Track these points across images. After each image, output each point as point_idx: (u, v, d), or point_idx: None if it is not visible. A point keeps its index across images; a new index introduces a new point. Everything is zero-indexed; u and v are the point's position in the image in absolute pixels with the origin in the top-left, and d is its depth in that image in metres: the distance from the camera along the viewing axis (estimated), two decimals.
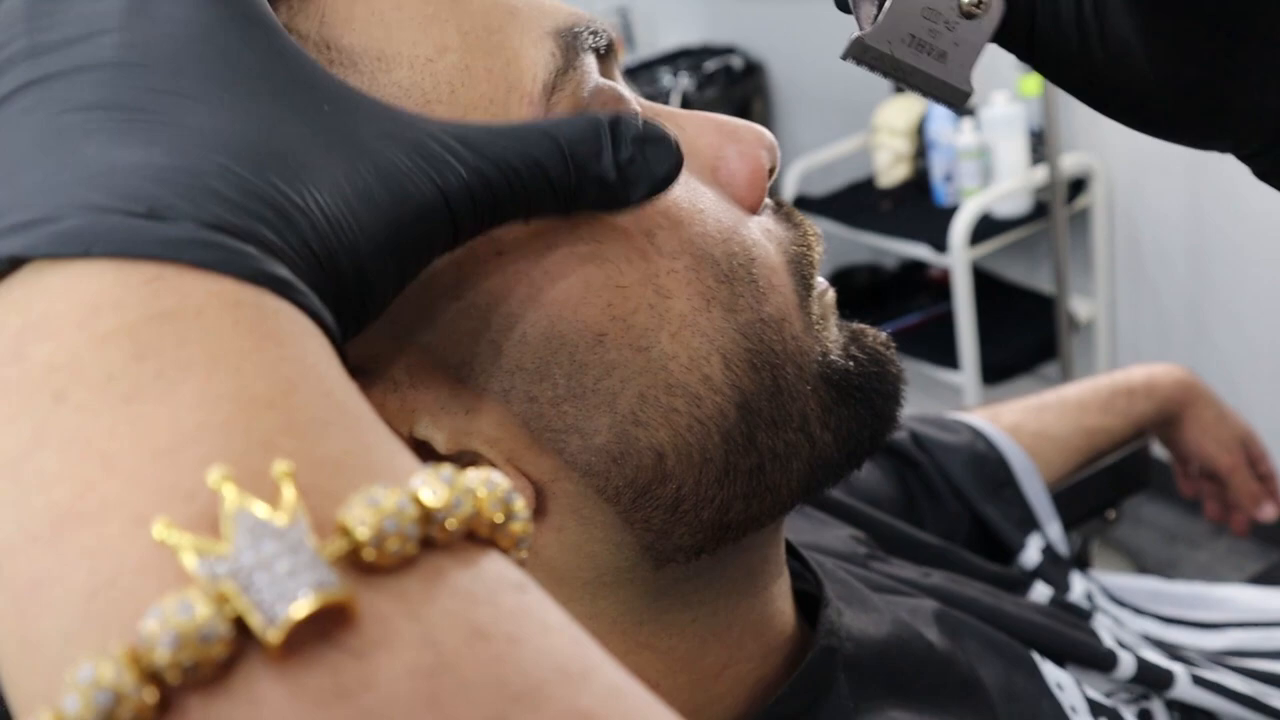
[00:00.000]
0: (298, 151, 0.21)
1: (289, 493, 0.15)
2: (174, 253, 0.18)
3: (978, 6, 0.29)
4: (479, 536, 0.18)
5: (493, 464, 0.31)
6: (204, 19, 0.22)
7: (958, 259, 1.73)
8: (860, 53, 0.30)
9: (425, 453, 0.31)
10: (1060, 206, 1.68)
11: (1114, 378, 0.81)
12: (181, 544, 0.15)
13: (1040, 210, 1.78)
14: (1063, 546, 0.72)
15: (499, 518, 0.18)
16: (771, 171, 0.36)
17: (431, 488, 0.16)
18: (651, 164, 0.28)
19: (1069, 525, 0.80)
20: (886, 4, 0.29)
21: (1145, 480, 0.84)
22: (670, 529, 0.33)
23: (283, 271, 0.19)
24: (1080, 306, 1.88)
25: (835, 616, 0.40)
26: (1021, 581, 0.60)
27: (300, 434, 0.17)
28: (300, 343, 0.18)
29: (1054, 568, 0.68)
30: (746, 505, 0.34)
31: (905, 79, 0.30)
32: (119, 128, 0.19)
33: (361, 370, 0.30)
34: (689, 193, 0.33)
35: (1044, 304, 1.87)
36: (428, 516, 0.16)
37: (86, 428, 0.16)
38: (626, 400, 0.31)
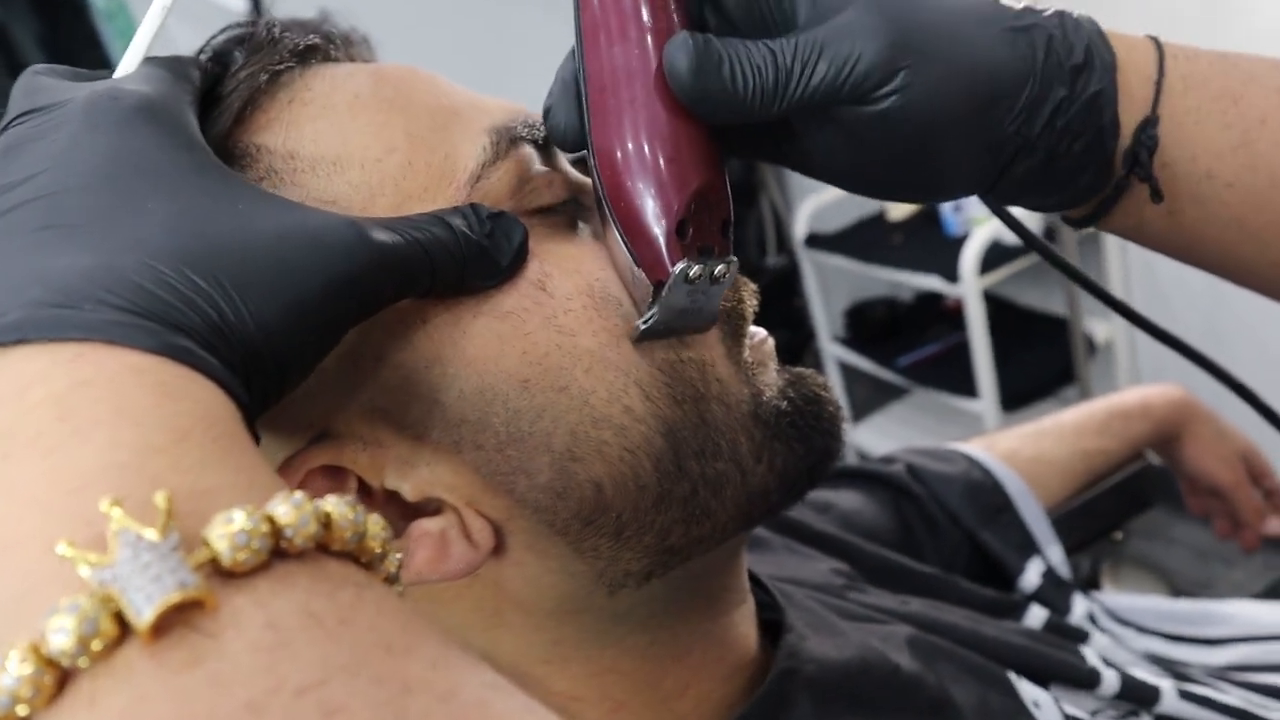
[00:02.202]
0: (209, 246, 0.25)
1: (164, 516, 0.19)
2: (93, 333, 0.22)
3: (721, 277, 0.35)
4: (331, 550, 0.21)
5: (455, 508, 0.35)
6: (132, 144, 0.26)
7: (969, 288, 1.74)
8: (648, 337, 0.35)
9: (397, 502, 0.35)
10: (1069, 228, 1.69)
11: (1110, 401, 0.82)
12: (77, 558, 0.18)
13: (1050, 234, 1.79)
14: (1064, 569, 0.72)
15: (347, 534, 0.21)
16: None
17: (284, 509, 0.20)
18: (508, 234, 0.33)
19: (1075, 548, 0.81)
20: (659, 302, 0.34)
21: (1149, 501, 0.85)
22: (618, 555, 0.36)
23: (185, 343, 0.23)
24: (1098, 329, 1.88)
25: (797, 641, 0.42)
26: (1016, 605, 0.61)
27: (184, 472, 0.20)
28: (195, 399, 0.22)
29: (1054, 590, 0.69)
30: (686, 529, 0.36)
31: (672, 334, 0.36)
32: (59, 241, 0.24)
33: (333, 433, 0.34)
34: (588, 248, 0.37)
35: (1060, 328, 1.88)
36: (277, 533, 0.20)
37: (18, 477, 0.20)
38: (560, 439, 0.34)
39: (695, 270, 0.34)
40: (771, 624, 0.45)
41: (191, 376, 0.22)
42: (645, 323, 0.35)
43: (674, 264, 0.34)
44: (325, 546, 0.21)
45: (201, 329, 0.23)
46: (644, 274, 0.34)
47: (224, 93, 0.34)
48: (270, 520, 0.20)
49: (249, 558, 0.19)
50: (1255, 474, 0.81)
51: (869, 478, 0.73)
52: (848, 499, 0.70)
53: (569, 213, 0.37)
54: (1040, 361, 1.89)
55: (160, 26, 0.33)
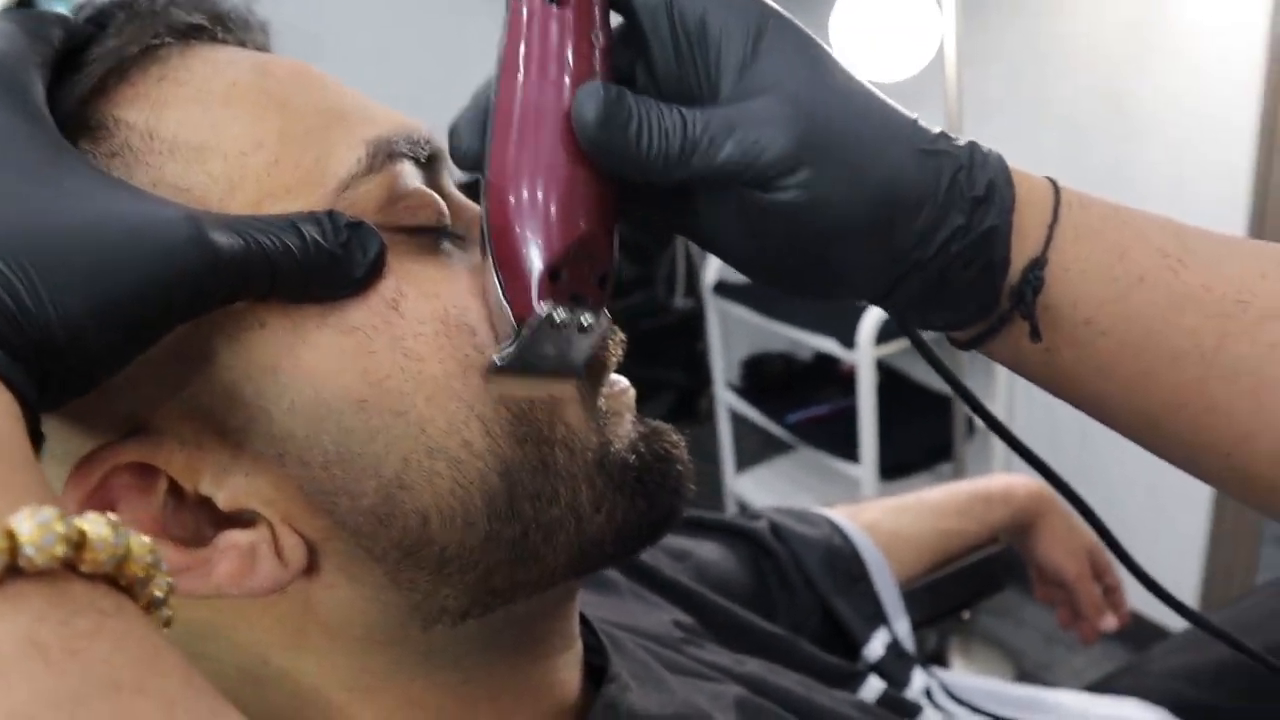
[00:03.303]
0: (19, 228, 0.24)
1: None
2: None
3: (589, 328, 0.35)
4: (80, 571, 0.20)
5: (269, 522, 0.33)
6: None
7: (864, 355, 1.78)
8: (503, 373, 0.35)
9: (209, 509, 0.33)
10: None
11: (974, 484, 0.85)
12: None
13: None
14: (908, 642, 0.74)
15: (102, 556, 0.20)
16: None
17: (27, 525, 0.19)
18: (364, 246, 0.32)
19: (924, 623, 0.83)
20: (519, 340, 0.34)
21: (1000, 584, 0.88)
22: (435, 590, 0.35)
23: None
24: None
25: (618, 692, 0.42)
26: (855, 675, 0.63)
27: None
28: None
29: (896, 662, 0.71)
30: (511, 572, 0.35)
31: (533, 379, 0.35)
32: None
33: (150, 428, 0.32)
34: (452, 273, 0.36)
35: (945, 405, 1.93)
36: (14, 550, 0.19)
37: None
38: (391, 464, 0.33)
39: (561, 315, 0.34)
40: (598, 669, 0.44)
41: None
42: (501, 358, 0.34)
43: (540, 304, 0.34)
44: (75, 567, 0.20)
45: None
46: (509, 308, 0.34)
47: (89, 58, 0.33)
48: (11, 535, 0.18)
49: None
50: (1098, 570, 0.85)
51: (732, 531, 0.74)
52: (707, 549, 0.71)
53: (438, 236, 0.36)
54: (922, 435, 1.95)
55: None
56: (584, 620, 0.46)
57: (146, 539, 0.22)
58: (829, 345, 1.89)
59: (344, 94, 0.36)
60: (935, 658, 0.90)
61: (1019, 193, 0.36)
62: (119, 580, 0.21)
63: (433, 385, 0.33)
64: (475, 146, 0.35)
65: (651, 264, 2.33)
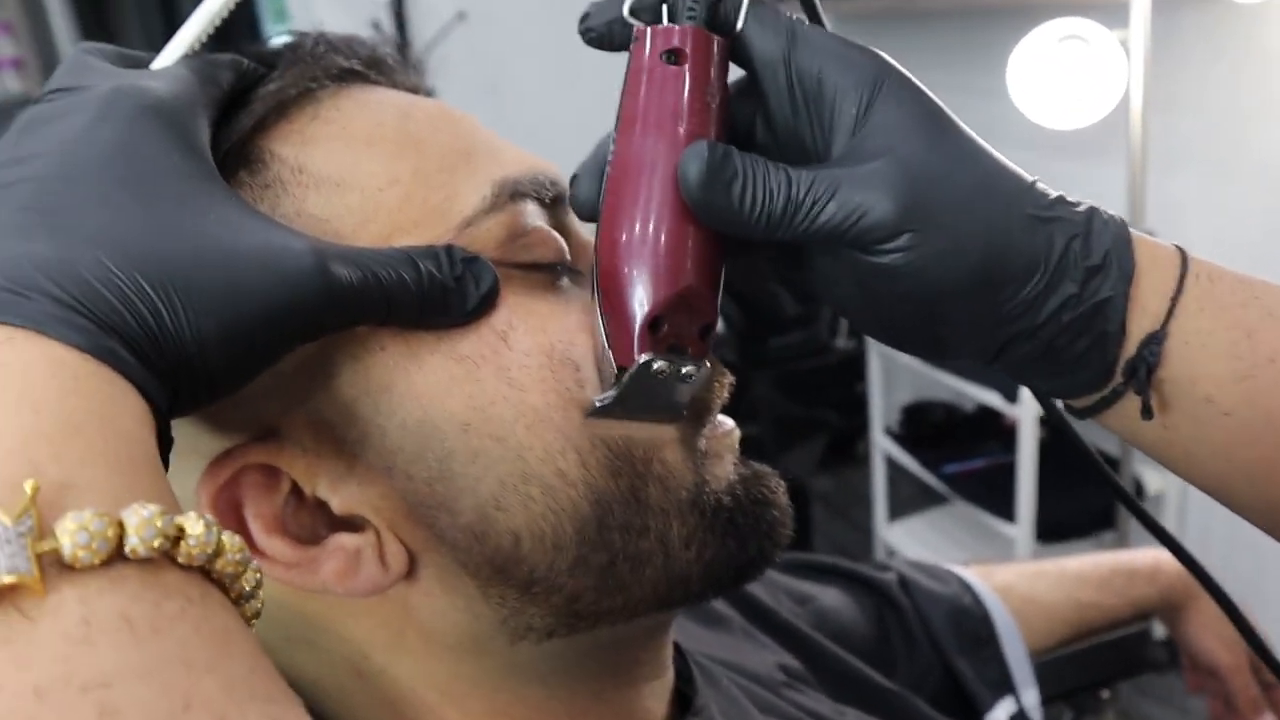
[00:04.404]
0: (166, 254, 0.26)
1: (25, 503, 0.21)
2: (28, 322, 0.24)
3: (689, 378, 0.36)
4: (176, 561, 0.23)
5: (376, 529, 0.36)
6: (131, 143, 0.28)
7: (1027, 411, 1.72)
8: (602, 416, 0.36)
9: (325, 512, 0.36)
10: None
11: (1118, 556, 0.81)
12: None
13: None
14: (1035, 715, 0.71)
15: (195, 551, 0.23)
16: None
17: (135, 519, 0.21)
18: (478, 279, 0.35)
19: (1056, 697, 0.80)
20: (620, 385, 0.35)
21: (1143, 664, 0.83)
22: (523, 608, 0.36)
23: (112, 344, 0.24)
24: (1150, 477, 1.84)
25: None
26: None
27: (62, 464, 0.22)
28: (102, 398, 0.24)
29: None
30: (597, 598, 0.37)
31: (633, 421, 0.37)
32: (31, 225, 0.26)
33: (278, 434, 0.35)
34: (564, 310, 0.37)
35: (1112, 468, 1.83)
36: (121, 538, 0.21)
37: None
38: (488, 485, 0.35)
39: (660, 365, 0.35)
40: (688, 699, 0.45)
41: (108, 377, 0.24)
42: (601, 401, 0.36)
43: (640, 354, 0.35)
44: (172, 558, 0.22)
45: (136, 333, 0.25)
46: (611, 355, 0.35)
47: (255, 98, 0.36)
48: (120, 525, 0.21)
49: (87, 556, 0.21)
50: (1257, 664, 0.79)
51: (859, 580, 0.73)
52: (831, 596, 0.70)
53: (558, 272, 0.38)
54: (1084, 499, 1.85)
55: (205, 28, 0.35)
56: (680, 651, 0.47)
57: (238, 538, 0.24)
58: (992, 398, 1.83)
59: (478, 136, 0.39)
60: None
61: (1141, 262, 0.35)
62: (210, 573, 0.24)
63: (533, 415, 0.35)
64: (592, 196, 0.37)
65: (814, 302, 2.31)
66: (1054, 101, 1.38)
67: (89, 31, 3.09)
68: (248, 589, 0.25)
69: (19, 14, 3.16)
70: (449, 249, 0.34)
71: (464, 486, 0.35)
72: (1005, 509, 1.82)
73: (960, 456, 2.04)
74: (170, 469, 0.34)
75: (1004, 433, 2.07)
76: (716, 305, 0.37)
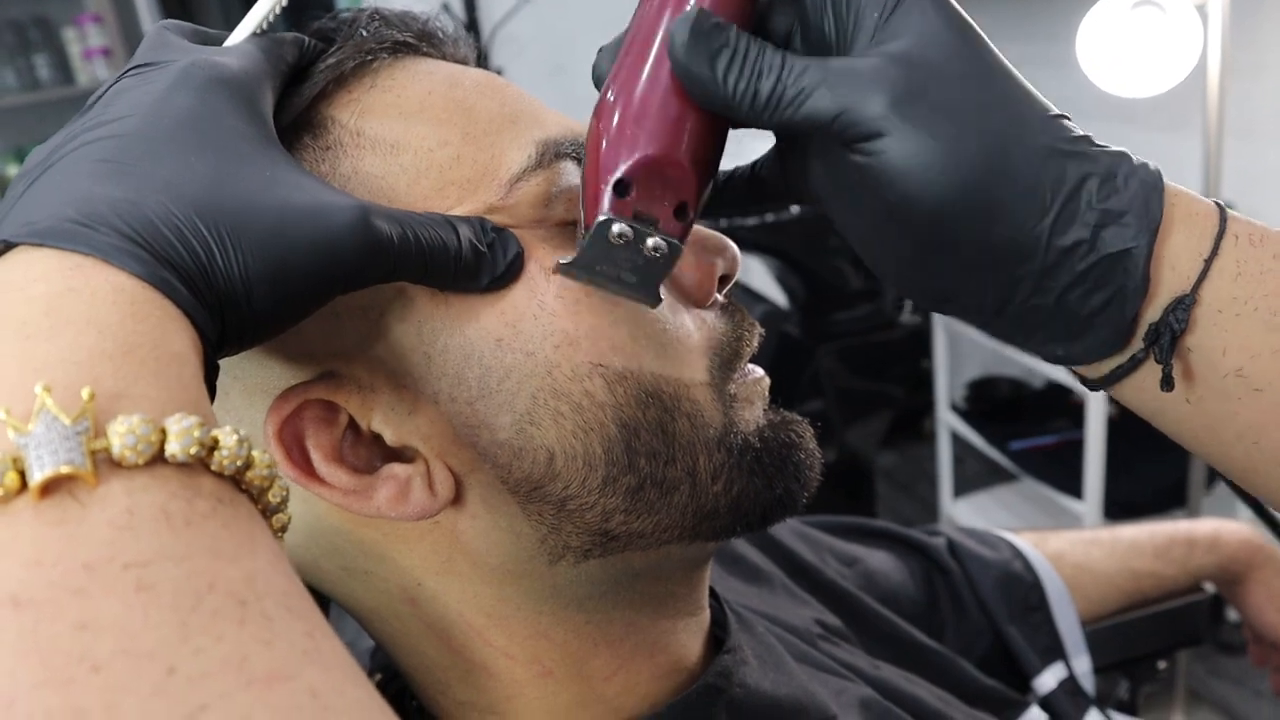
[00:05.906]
0: (223, 202, 0.29)
1: (83, 408, 0.23)
2: (95, 251, 0.26)
3: (655, 251, 0.36)
4: (211, 470, 0.25)
5: (426, 459, 0.38)
6: (203, 109, 0.31)
7: None
8: (564, 273, 0.37)
9: (380, 444, 0.38)
10: None
11: (1177, 525, 0.80)
12: (8, 423, 0.23)
13: None
14: (1086, 682, 0.71)
15: (225, 461, 0.25)
16: (726, 278, 0.43)
17: (175, 427, 0.24)
18: (505, 248, 0.37)
19: (1111, 666, 0.79)
20: (581, 244, 0.36)
21: (1201, 635, 0.82)
22: (560, 526, 0.39)
23: (168, 275, 0.27)
24: None
25: (733, 663, 0.44)
26: (1014, 703, 0.61)
27: (119, 378, 0.25)
28: (156, 322, 0.26)
29: (1068, 700, 0.68)
30: (626, 519, 0.39)
31: (603, 290, 0.37)
32: (109, 174, 0.28)
33: (337, 372, 0.38)
34: None
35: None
36: (163, 443, 0.24)
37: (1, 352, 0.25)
38: (522, 401, 0.38)
39: (620, 228, 0.35)
40: (724, 644, 0.46)
41: (162, 304, 0.27)
42: (565, 259, 0.37)
43: (601, 213, 0.35)
44: (207, 465, 0.25)
45: (190, 267, 0.28)
46: (583, 214, 0.36)
47: (317, 70, 0.39)
48: (163, 432, 0.24)
49: (133, 455, 0.23)
50: None
51: (908, 544, 0.73)
52: (879, 559, 0.71)
53: None
54: (1155, 476, 1.82)
55: (273, 7, 0.37)
56: (718, 597, 0.48)
57: (267, 455, 0.27)
58: (1060, 373, 1.81)
59: (522, 102, 0.41)
60: (1124, 706, 0.85)
61: (1174, 216, 0.32)
62: (241, 484, 0.26)
63: (561, 335, 0.38)
64: (605, 71, 0.37)
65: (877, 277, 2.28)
66: (1126, 69, 1.35)
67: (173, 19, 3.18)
68: (274, 502, 0.27)
69: (108, 6, 3.29)
70: (481, 220, 0.37)
71: (501, 403, 0.37)
72: (1073, 486, 1.79)
73: (1028, 433, 2.01)
74: (243, 403, 0.38)
75: (1072, 409, 2.04)
76: (698, 187, 0.36)
